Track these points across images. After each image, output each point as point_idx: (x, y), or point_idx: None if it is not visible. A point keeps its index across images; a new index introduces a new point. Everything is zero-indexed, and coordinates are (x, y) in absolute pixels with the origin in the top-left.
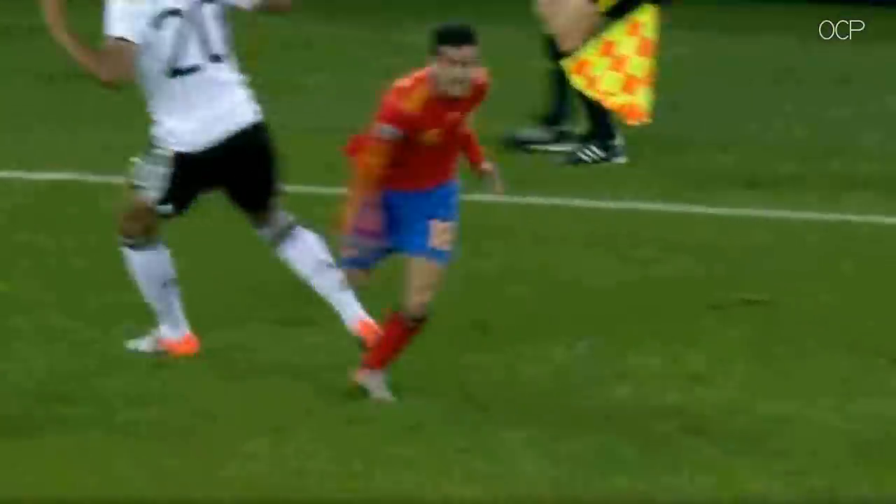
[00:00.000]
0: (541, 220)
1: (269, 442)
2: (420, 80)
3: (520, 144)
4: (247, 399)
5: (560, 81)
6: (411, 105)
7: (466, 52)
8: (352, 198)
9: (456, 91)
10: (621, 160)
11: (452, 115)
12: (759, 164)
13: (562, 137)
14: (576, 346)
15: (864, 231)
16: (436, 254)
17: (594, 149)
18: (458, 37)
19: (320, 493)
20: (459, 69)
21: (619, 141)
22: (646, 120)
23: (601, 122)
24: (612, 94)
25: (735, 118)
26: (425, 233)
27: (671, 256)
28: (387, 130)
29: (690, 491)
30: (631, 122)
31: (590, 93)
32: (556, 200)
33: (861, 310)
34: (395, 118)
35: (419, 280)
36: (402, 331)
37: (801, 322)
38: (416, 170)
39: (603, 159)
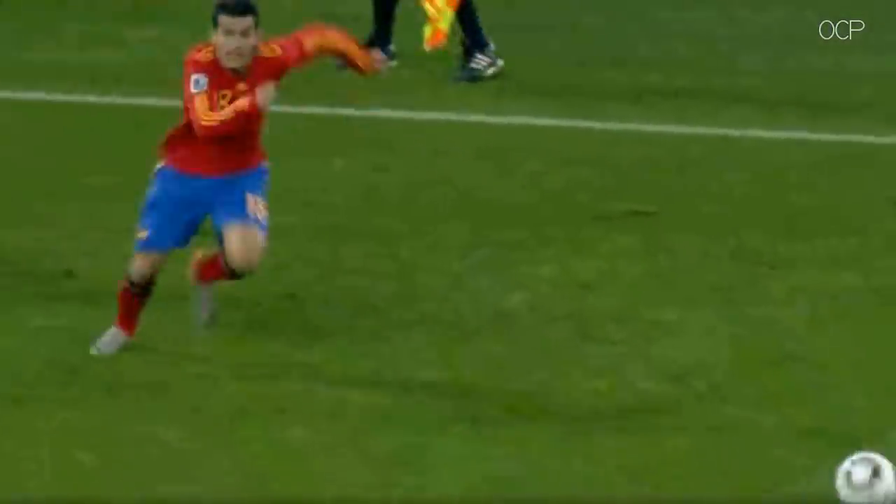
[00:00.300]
0: (437, 135)
1: (168, 350)
2: (208, 45)
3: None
4: (147, 308)
5: (381, 6)
6: (203, 57)
7: (243, 21)
8: (228, 120)
9: (232, 62)
10: (501, 63)
11: (241, 87)
12: (646, 81)
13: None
14: (470, 255)
15: (745, 144)
16: (253, 220)
17: (480, 57)
18: (233, 7)
19: (223, 397)
20: (235, 39)
21: (492, 45)
22: (442, 46)
23: (476, 31)
24: (441, 12)
25: (624, 38)
26: (241, 203)
27: (560, 169)
28: (198, 80)
29: (583, 394)
30: (431, 47)
31: (426, 7)
32: (452, 116)
33: (742, 219)
34: (198, 66)
35: (241, 243)
36: (220, 273)
37: (685, 231)
38: (209, 149)
39: (491, 64)
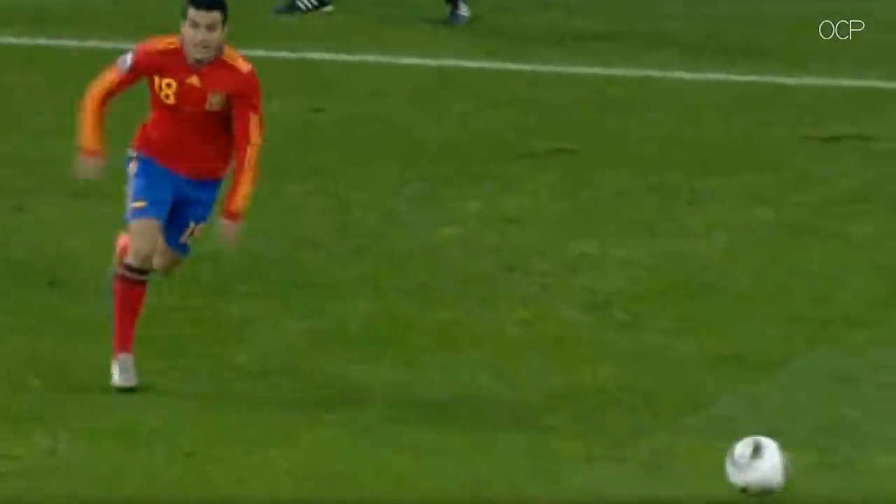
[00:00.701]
0: (371, 77)
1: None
2: (175, 36)
3: (291, 10)
4: (92, 243)
5: None
6: (159, 45)
7: (209, 16)
8: (80, 125)
9: (197, 53)
10: (329, 8)
11: (192, 80)
12: (570, 25)
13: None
14: (403, 192)
15: (665, 85)
16: (181, 249)
17: (463, 4)
18: (202, 1)
19: (166, 324)
20: (201, 32)
21: None
22: None
23: None
24: None
25: None
26: (181, 230)
27: (488, 109)
28: (123, 60)
29: (509, 323)
30: None
31: None
32: (386, 58)
33: (661, 155)
34: (138, 51)
35: (161, 262)
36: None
37: (607, 168)
38: (171, 142)
39: (316, 7)
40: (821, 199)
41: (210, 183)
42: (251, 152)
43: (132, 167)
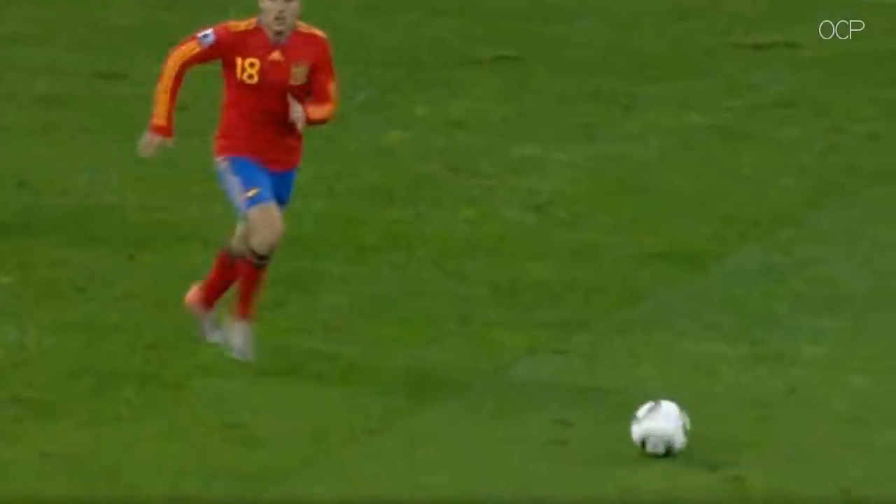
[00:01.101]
0: None
1: (79, 184)
2: (253, 18)
3: None
4: (57, 146)
5: None
6: (240, 26)
7: None
8: (157, 94)
9: (276, 25)
10: None
11: (275, 56)
12: None
13: None
14: (354, 97)
15: None
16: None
17: None
18: None
19: (127, 225)
20: (279, 3)
21: None
22: None
23: None
24: None
25: None
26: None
27: (435, 18)
28: (204, 35)
29: (455, 223)
30: None
31: None
32: None
33: (600, 63)
34: (219, 29)
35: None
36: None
37: (549, 75)
38: (255, 133)
39: None
40: (751, 104)
41: (291, 172)
42: (332, 105)
43: (224, 167)
